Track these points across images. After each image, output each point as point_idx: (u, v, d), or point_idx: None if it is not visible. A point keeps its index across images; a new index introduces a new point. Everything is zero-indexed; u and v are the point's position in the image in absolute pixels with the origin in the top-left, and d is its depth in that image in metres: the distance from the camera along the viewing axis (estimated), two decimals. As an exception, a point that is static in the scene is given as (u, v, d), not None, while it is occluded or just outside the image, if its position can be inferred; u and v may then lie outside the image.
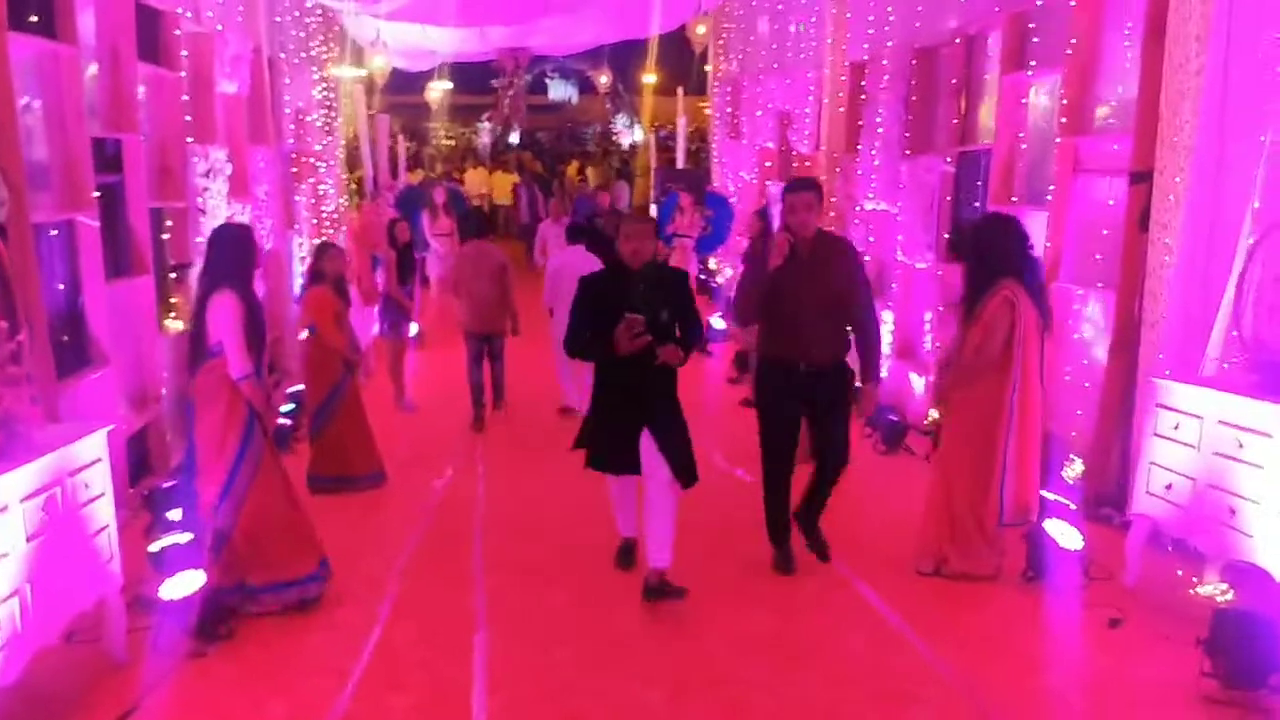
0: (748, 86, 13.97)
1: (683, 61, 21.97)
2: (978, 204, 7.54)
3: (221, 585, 4.52)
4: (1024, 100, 7.16)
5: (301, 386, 7.53)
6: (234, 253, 4.70)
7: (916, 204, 8.50)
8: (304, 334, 6.90)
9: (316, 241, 10.04)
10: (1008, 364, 4.70)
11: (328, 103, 13.07)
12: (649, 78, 22.44)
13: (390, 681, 4.03)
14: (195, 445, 4.67)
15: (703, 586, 4.80)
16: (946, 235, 8.11)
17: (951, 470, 4.89)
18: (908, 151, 8.77)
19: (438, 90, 22.87)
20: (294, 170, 10.73)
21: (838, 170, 10.43)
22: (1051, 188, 6.54)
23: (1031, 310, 4.66)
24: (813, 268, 4.87)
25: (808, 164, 11.50)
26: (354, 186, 15.76)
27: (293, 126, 10.86)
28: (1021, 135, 7.07)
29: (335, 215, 12.62)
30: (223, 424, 4.57)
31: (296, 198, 10.84)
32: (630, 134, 27.84)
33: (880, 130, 9.16)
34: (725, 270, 13.98)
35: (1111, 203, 6.10)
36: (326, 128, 13.01)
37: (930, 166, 8.29)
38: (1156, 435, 4.66)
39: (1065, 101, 6.44)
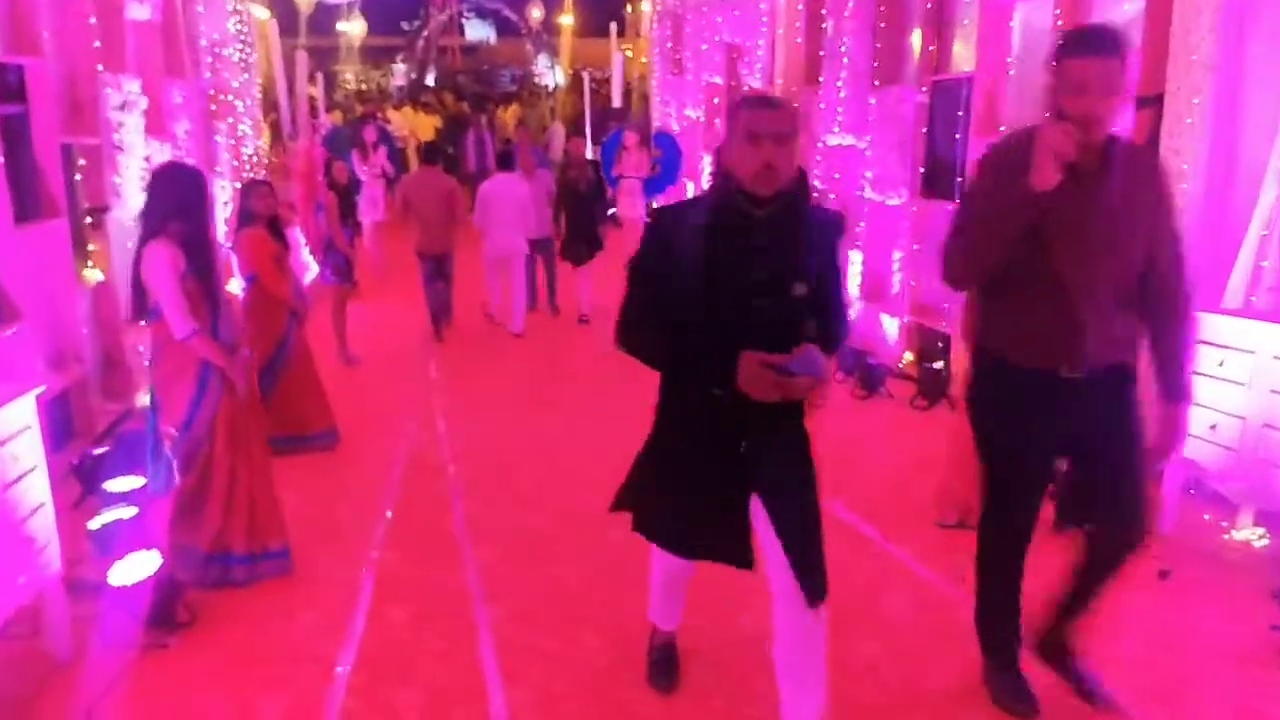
0: (691, 19, 13.41)
1: (604, 3, 21.64)
2: (958, 135, 7.19)
3: (184, 545, 4.10)
4: (1010, 23, 6.80)
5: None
6: (173, 195, 4.04)
7: (888, 138, 8.12)
8: (240, 284, 6.25)
9: (239, 184, 9.27)
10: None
11: (242, 36, 12.13)
12: (566, 19, 21.92)
13: (392, 673, 3.53)
14: (155, 397, 4.18)
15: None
16: (922, 170, 7.76)
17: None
18: (877, 82, 8.37)
19: (355, 28, 21.83)
20: (212, 108, 9.88)
21: (796, 105, 10.00)
22: (1048, 115, 6.18)
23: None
24: (1108, 196, 2.78)
25: (760, 99, 11.05)
26: (270, 131, 14.80)
27: (209, 59, 9.98)
28: (1010, 60, 6.71)
29: (255, 159, 11.77)
30: (173, 380, 4.08)
31: (216, 138, 10.00)
32: (551, 75, 27.08)
33: (845, 60, 8.74)
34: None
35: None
36: (243, 64, 12.08)
37: (903, 97, 7.91)
38: (1197, 373, 4.37)
39: (1061, 22, 6.09)
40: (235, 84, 11.37)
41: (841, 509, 4.83)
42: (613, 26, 17.73)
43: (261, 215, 6.03)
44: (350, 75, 25.26)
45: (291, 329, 6.08)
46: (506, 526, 4.84)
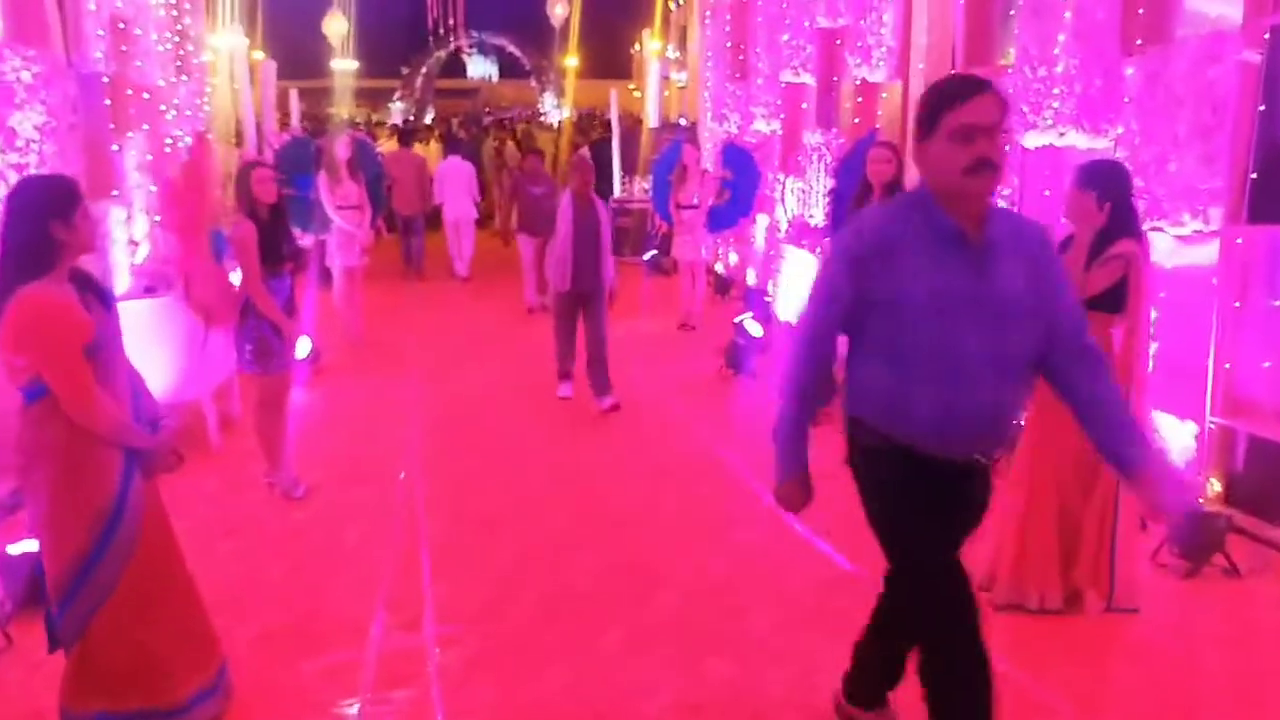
0: (762, 6, 10.38)
1: (607, 46, 24.97)
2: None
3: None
4: None
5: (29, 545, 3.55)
6: None
7: (1170, 127, 4.99)
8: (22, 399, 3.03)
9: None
10: None
11: (180, 27, 9.07)
12: (571, 60, 21.34)
13: None
14: None
15: None
16: (1252, 176, 4.60)
17: None
18: (1139, 41, 5.26)
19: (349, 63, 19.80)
20: (107, 103, 6.74)
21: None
22: None
23: None
24: None
25: (884, 95, 7.95)
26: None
27: (102, 33, 6.86)
28: None
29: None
30: None
31: (114, 147, 6.87)
32: (558, 114, 25.09)
33: (1067, 17, 5.65)
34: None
35: None
36: (179, 61, 9.01)
37: (1214, 55, 4.78)
38: None
39: None
40: (161, 82, 8.31)
41: None
42: (646, 33, 15.17)
43: (67, 251, 2.86)
44: (345, 116, 22.71)
45: (127, 490, 2.87)
46: None
